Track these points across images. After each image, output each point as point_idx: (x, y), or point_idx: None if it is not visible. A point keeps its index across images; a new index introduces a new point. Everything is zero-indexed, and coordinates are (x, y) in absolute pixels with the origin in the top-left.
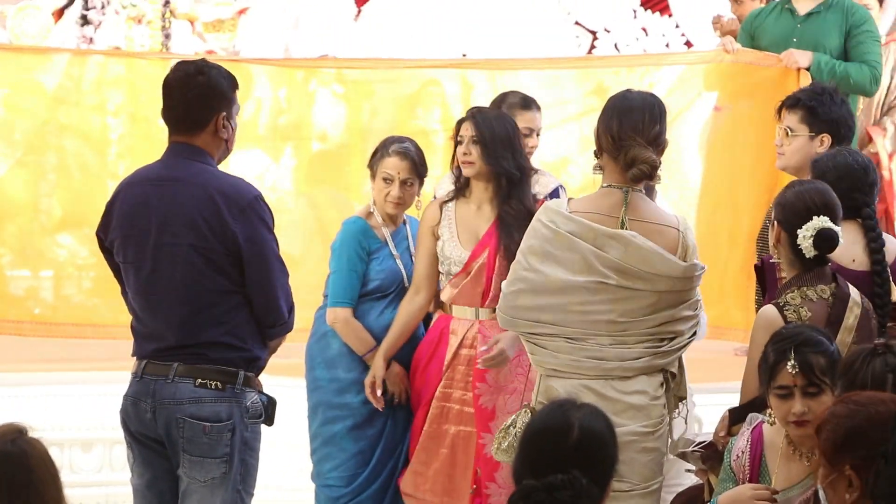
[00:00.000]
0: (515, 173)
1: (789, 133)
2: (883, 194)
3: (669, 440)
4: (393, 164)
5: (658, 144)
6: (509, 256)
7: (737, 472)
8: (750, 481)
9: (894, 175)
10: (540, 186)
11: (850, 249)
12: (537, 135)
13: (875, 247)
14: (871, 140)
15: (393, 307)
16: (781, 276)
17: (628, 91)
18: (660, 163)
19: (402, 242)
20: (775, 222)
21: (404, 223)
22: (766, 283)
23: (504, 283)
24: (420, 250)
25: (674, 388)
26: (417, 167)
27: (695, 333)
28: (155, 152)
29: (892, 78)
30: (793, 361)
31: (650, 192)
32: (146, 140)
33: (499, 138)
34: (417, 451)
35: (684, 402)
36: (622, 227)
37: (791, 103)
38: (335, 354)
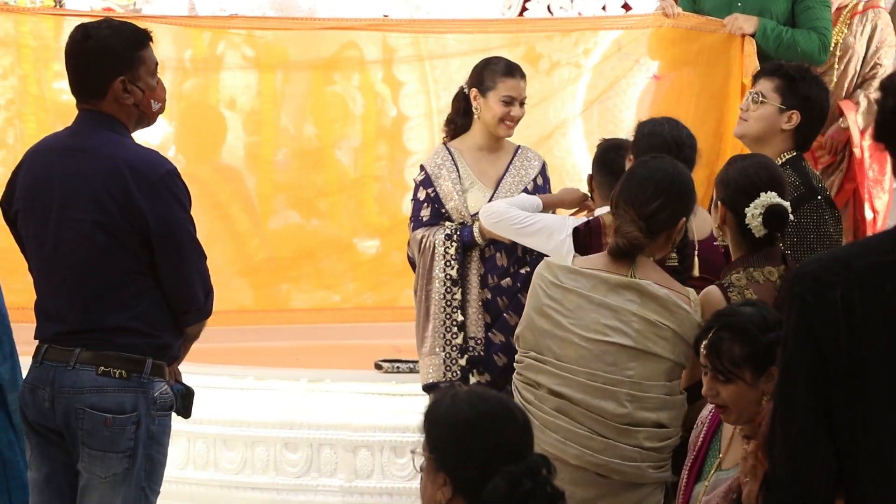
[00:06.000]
0: None
1: (759, 99)
2: (853, 173)
3: None
4: None
5: (656, 223)
6: None
7: (692, 441)
8: (698, 453)
9: (866, 153)
10: (529, 162)
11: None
12: (521, 104)
13: None
14: (842, 115)
15: None
16: (606, 241)
17: (651, 157)
18: (643, 241)
19: None
20: (719, 202)
21: None
22: (587, 247)
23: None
24: None
25: None
26: None
27: None
28: (48, 119)
29: (867, 48)
30: (706, 342)
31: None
32: (38, 105)
33: None
34: None
35: None
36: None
37: (771, 70)
38: None
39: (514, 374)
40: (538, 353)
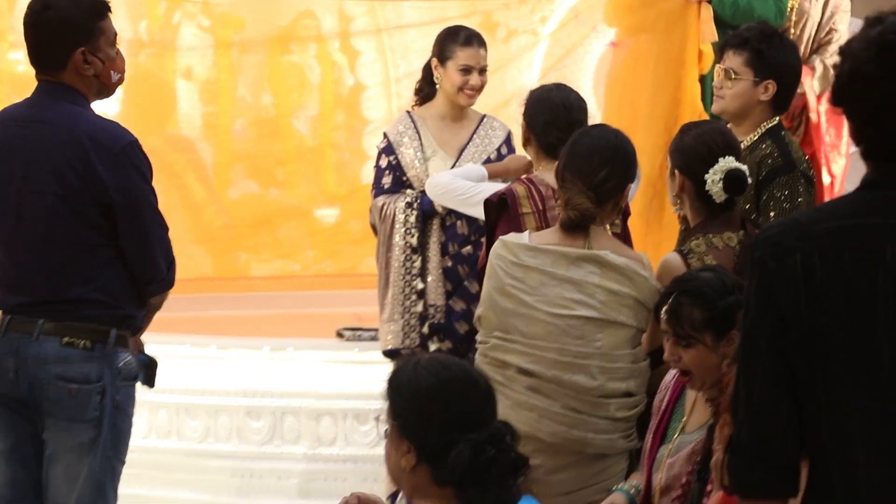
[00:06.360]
0: None
1: (732, 76)
2: (810, 138)
3: None
4: None
5: (604, 191)
6: None
7: (656, 406)
8: (661, 418)
9: (822, 118)
10: (493, 132)
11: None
12: (481, 73)
13: None
14: None
15: None
16: (523, 212)
17: (591, 127)
18: (594, 210)
19: None
20: (676, 171)
21: None
22: (499, 218)
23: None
24: None
25: None
26: None
27: None
28: (3, 90)
29: (822, 13)
30: (666, 307)
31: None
32: None
33: None
34: None
35: None
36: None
37: (737, 43)
38: None
39: (478, 354)
40: (503, 332)
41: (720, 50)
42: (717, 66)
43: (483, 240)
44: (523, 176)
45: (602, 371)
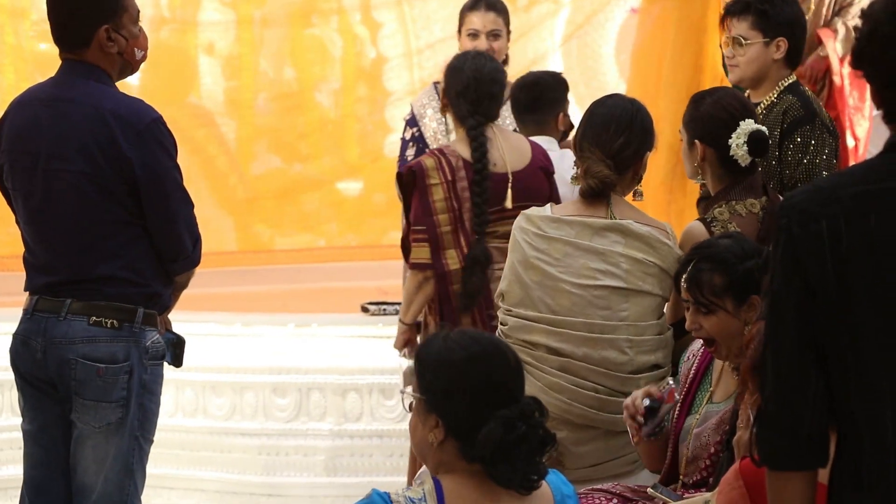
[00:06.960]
0: None
1: (742, 42)
2: (833, 101)
3: None
4: None
5: (622, 160)
6: None
7: (682, 375)
8: (689, 387)
9: (845, 81)
10: None
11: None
12: (489, 37)
13: (476, 156)
14: (820, 43)
15: None
16: (430, 183)
17: (607, 97)
18: (614, 178)
19: None
20: (696, 141)
21: None
22: (410, 191)
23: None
24: None
25: None
26: None
27: None
28: (27, 69)
29: None
30: (686, 275)
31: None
32: (16, 56)
33: None
34: None
35: None
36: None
37: (739, 9)
38: None
39: (497, 334)
40: (527, 308)
41: (722, 21)
42: (724, 37)
43: None
44: (434, 147)
45: (631, 345)
